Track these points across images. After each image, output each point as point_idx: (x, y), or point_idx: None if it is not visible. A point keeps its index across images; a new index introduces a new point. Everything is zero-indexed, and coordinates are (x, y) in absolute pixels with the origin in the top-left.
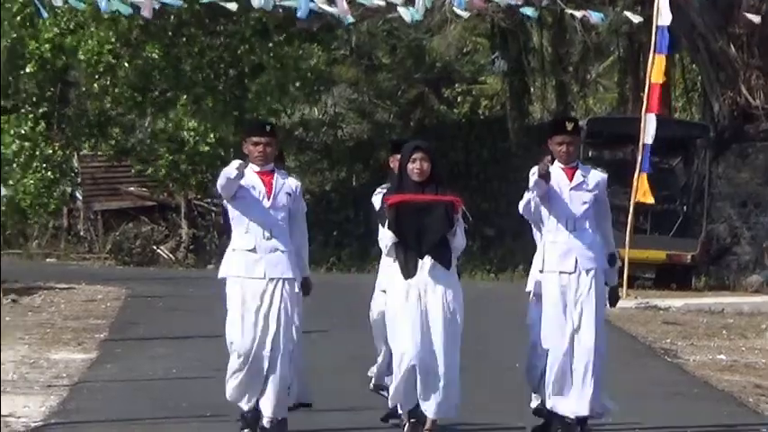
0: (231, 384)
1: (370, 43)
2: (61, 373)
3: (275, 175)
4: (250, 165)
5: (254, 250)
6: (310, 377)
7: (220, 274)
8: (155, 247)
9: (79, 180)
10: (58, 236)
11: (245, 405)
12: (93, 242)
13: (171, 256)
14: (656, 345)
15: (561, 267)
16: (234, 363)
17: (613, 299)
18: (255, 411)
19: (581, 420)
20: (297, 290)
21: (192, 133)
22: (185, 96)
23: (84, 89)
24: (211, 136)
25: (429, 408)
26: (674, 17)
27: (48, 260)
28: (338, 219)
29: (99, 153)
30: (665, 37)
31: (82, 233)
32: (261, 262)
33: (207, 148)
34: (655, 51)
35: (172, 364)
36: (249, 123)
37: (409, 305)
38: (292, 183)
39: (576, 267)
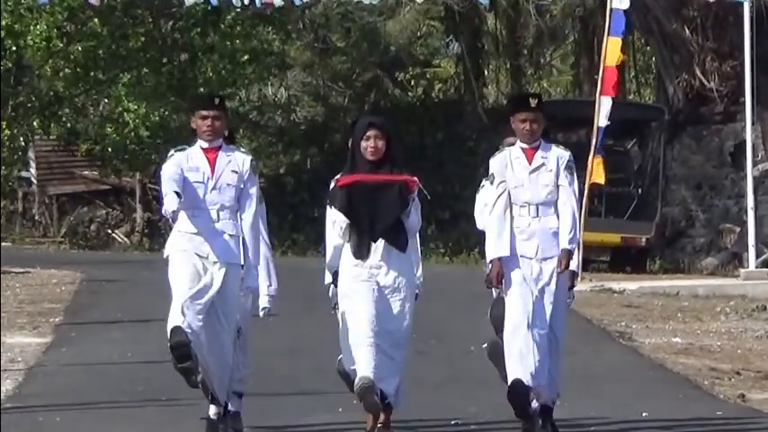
0: (172, 315)
1: (325, 26)
2: (16, 358)
3: (220, 152)
4: (198, 141)
5: (198, 234)
6: (264, 361)
7: (165, 253)
8: (109, 231)
9: (33, 164)
10: (12, 220)
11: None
12: (47, 226)
13: (126, 239)
14: (611, 328)
15: (522, 252)
16: (175, 306)
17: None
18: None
19: (543, 411)
20: (237, 276)
21: (132, 115)
22: (128, 77)
23: (36, 72)
24: (152, 118)
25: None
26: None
27: (2, 244)
28: (293, 202)
29: (51, 136)
30: (621, 20)
31: (37, 217)
32: (206, 245)
33: (147, 133)
34: (609, 34)
35: (127, 348)
36: (196, 97)
37: (361, 285)
38: (239, 158)
39: (537, 254)
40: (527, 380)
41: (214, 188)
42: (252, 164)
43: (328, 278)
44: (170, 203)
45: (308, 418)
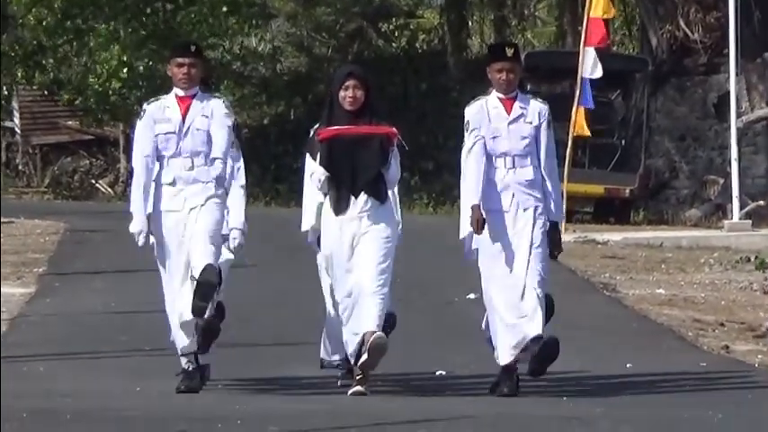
0: (174, 328)
1: None
2: None
3: (194, 99)
4: (174, 89)
5: (173, 183)
6: (246, 311)
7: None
8: (93, 182)
9: (17, 114)
10: None
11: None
12: (31, 176)
13: (109, 190)
14: (595, 279)
15: (497, 206)
16: (168, 304)
17: (555, 242)
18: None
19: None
20: (218, 211)
21: (106, 66)
22: (105, 27)
23: (20, 21)
24: (124, 71)
25: (368, 322)
26: None
27: None
28: (276, 152)
29: (34, 86)
30: None
31: (20, 167)
32: (181, 194)
33: (119, 84)
34: None
35: (110, 299)
36: (173, 45)
37: (343, 249)
38: (213, 103)
39: (512, 205)
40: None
41: (186, 135)
42: (223, 106)
43: (306, 226)
44: (134, 226)
45: (288, 369)
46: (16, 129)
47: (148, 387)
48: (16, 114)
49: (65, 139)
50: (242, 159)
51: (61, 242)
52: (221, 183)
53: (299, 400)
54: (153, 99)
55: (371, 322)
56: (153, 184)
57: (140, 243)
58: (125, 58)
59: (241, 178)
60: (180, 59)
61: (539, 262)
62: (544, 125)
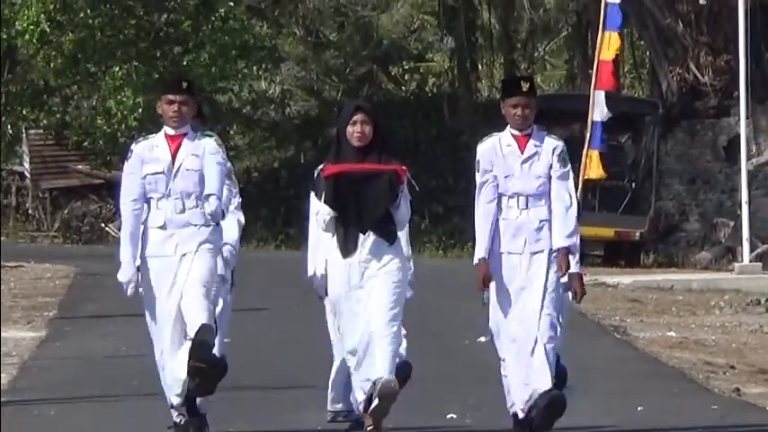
0: (164, 382)
1: (318, 20)
2: (11, 352)
3: (184, 139)
4: (164, 128)
5: (164, 227)
6: (257, 354)
7: (137, 275)
8: (103, 225)
9: (27, 158)
10: (6, 214)
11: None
12: (41, 220)
13: (119, 233)
14: (606, 322)
15: (509, 248)
16: (157, 354)
17: (576, 287)
18: (189, 407)
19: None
20: (212, 258)
21: (121, 107)
22: (116, 69)
23: (25, 61)
24: (140, 111)
25: (379, 367)
26: None
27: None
28: (286, 195)
29: (41, 130)
30: (617, 14)
31: (30, 211)
32: (172, 238)
33: (135, 123)
34: (605, 28)
35: (121, 342)
36: (163, 81)
37: (351, 293)
38: (204, 142)
39: (525, 248)
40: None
41: (176, 176)
42: (215, 143)
43: (311, 271)
44: (122, 275)
45: (300, 413)
46: (26, 173)
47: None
48: (26, 158)
49: (75, 183)
50: (239, 197)
51: (71, 286)
52: (216, 219)
53: None
54: (141, 138)
55: (383, 367)
56: (141, 228)
57: (129, 293)
58: (139, 100)
59: (239, 212)
60: (171, 96)
61: (553, 309)
62: (555, 160)
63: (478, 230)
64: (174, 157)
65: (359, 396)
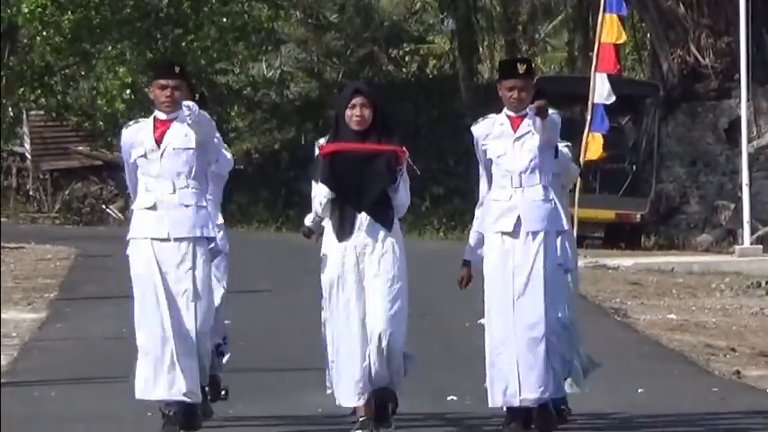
0: (139, 373)
1: (319, 2)
2: (11, 333)
3: (173, 122)
4: (155, 112)
5: (154, 207)
6: (256, 337)
7: (128, 236)
8: (104, 207)
9: (28, 139)
10: (6, 195)
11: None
12: (42, 202)
13: (120, 215)
14: (606, 304)
15: (500, 227)
16: (141, 351)
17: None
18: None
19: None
20: (207, 264)
21: (111, 88)
22: (112, 50)
23: (26, 41)
24: (127, 92)
25: (376, 378)
26: None
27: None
28: (287, 177)
29: (42, 111)
30: None
31: (31, 193)
32: (164, 220)
33: (122, 106)
34: (605, 11)
35: (122, 324)
36: (156, 65)
37: (345, 278)
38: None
39: (516, 228)
40: (546, 393)
41: (162, 156)
42: (199, 116)
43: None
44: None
45: (301, 395)
46: (27, 154)
47: (159, 412)
48: (27, 140)
49: (75, 164)
50: (229, 152)
51: (72, 267)
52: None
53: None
54: (131, 122)
55: (380, 375)
56: (136, 210)
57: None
58: (129, 80)
59: (225, 167)
60: (163, 81)
61: (556, 306)
62: (555, 138)
63: (475, 225)
64: (159, 140)
65: (333, 382)
